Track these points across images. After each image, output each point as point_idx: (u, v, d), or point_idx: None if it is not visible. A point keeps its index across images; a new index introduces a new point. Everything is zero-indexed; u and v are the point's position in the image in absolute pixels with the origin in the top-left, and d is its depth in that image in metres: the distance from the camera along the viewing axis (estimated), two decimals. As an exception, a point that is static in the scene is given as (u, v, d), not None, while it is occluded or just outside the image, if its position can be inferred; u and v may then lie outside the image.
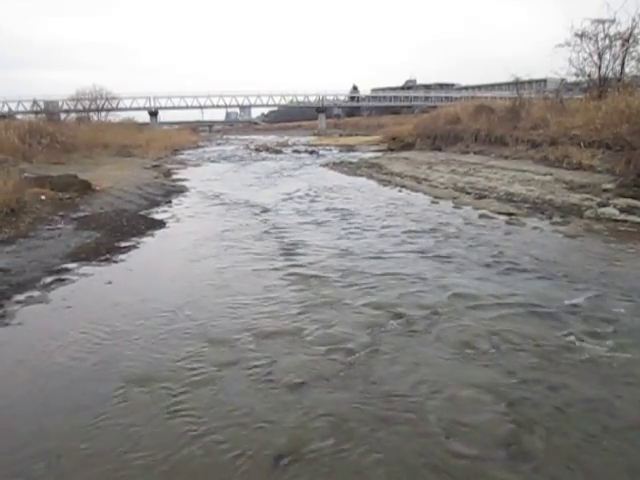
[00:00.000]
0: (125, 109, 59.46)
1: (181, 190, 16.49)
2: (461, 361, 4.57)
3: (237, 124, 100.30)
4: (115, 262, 7.91)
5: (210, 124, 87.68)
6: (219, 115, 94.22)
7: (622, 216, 10.05)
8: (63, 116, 43.58)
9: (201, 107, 70.68)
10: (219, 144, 52.39)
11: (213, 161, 29.93)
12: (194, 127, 72.76)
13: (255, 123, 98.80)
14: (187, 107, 69.39)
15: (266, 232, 9.80)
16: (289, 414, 3.82)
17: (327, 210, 12.09)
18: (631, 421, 3.66)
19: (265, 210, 12.35)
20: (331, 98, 74.93)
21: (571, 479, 3.11)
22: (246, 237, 9.44)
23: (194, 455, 3.39)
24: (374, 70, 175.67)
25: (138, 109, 63.99)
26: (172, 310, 5.86)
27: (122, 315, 5.76)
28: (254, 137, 65.79)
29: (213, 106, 70.84)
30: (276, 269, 7.35)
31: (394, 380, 4.28)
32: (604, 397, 3.95)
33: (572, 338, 4.88)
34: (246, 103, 73.12)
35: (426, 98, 72.54)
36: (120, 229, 9.80)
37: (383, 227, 10.07)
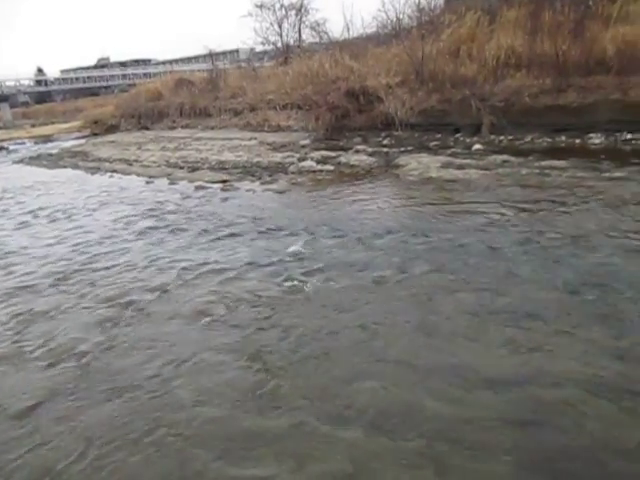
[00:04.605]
0: None
1: None
2: (200, 330, 4.66)
3: None
4: None
5: None
6: None
7: (318, 167, 11.39)
8: None
9: None
10: None
11: None
12: None
13: None
14: None
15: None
16: (22, 445, 3.42)
17: (27, 212, 10.59)
18: (345, 340, 4.27)
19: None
20: (12, 84, 65.62)
21: (314, 409, 3.49)
22: None
23: None
24: (61, 50, 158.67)
25: None
26: None
27: None
28: None
29: None
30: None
31: (135, 368, 4.15)
32: (320, 326, 4.51)
33: (291, 282, 5.42)
34: None
35: (124, 76, 69.14)
36: None
37: (97, 219, 9.30)
